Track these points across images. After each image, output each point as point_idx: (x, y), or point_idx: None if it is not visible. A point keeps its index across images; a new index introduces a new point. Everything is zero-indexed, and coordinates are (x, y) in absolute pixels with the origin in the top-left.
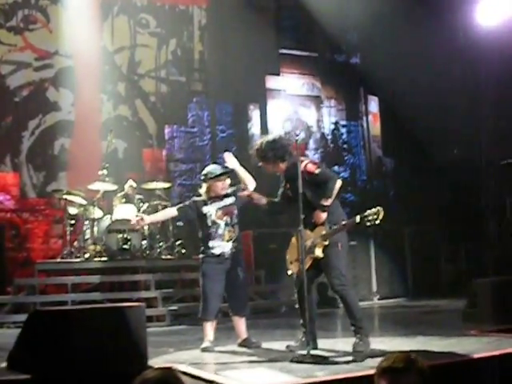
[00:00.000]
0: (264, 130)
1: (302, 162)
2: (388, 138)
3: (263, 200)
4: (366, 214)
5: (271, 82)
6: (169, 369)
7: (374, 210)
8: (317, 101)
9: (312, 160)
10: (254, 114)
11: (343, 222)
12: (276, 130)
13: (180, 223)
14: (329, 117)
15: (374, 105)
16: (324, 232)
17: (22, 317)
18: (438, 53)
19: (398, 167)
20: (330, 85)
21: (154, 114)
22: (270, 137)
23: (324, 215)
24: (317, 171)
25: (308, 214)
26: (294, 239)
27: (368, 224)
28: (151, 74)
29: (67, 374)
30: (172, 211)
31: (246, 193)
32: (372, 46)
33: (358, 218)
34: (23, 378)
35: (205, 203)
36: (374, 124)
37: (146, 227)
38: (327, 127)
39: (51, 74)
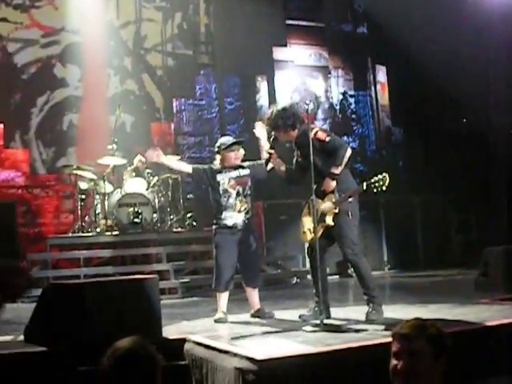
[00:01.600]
0: (272, 101)
1: (313, 129)
2: (397, 107)
3: (282, 167)
4: (371, 180)
5: (278, 53)
6: (139, 339)
7: (379, 176)
8: (324, 71)
9: (322, 128)
10: (262, 86)
11: (350, 190)
12: (284, 100)
13: (191, 195)
14: (337, 87)
15: (381, 74)
16: (334, 200)
17: (36, 291)
18: (447, 20)
19: (407, 137)
20: (337, 55)
21: (161, 88)
22: (280, 105)
23: (333, 183)
24: (327, 139)
25: (318, 182)
26: (306, 209)
27: (375, 191)
28: (157, 48)
29: (82, 347)
30: (187, 167)
31: (267, 151)
32: (379, 15)
33: (364, 185)
34: (40, 351)
35: (219, 172)
36: (382, 93)
37: (156, 200)
38: (335, 97)
39: (58, 50)
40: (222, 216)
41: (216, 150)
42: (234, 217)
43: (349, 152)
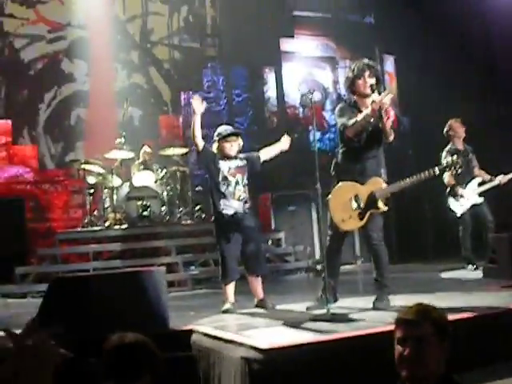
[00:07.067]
0: (280, 92)
1: (391, 110)
2: (405, 97)
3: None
4: (445, 164)
5: (285, 44)
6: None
7: (451, 159)
8: (332, 62)
9: None
10: (270, 77)
11: (421, 175)
12: (292, 92)
13: (199, 188)
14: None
15: (389, 64)
16: (383, 185)
17: (46, 286)
18: (453, 8)
19: (415, 127)
20: (344, 45)
21: (168, 81)
22: None
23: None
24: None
25: (365, 162)
26: (340, 195)
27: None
28: (164, 42)
29: (89, 340)
30: (201, 140)
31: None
32: (386, 4)
33: (436, 170)
34: None
35: (220, 158)
36: (390, 83)
37: (164, 193)
38: (343, 88)
39: (65, 45)
40: (222, 205)
41: (215, 138)
42: (233, 205)
43: None
